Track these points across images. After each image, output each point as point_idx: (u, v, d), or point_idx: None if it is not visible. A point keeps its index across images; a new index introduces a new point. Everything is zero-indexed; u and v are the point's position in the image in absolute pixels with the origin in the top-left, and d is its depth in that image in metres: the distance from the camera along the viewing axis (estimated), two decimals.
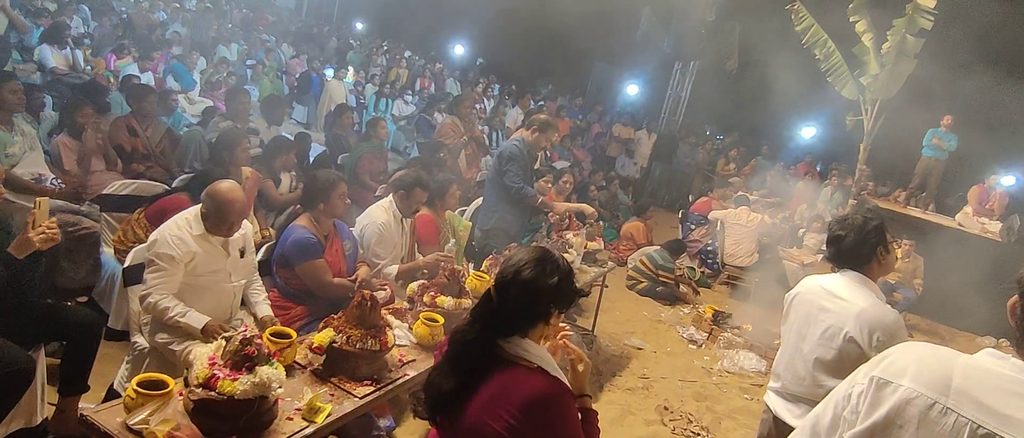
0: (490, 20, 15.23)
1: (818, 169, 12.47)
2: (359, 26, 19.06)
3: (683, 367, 5.59)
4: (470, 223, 5.03)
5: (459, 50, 18.13)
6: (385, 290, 3.66)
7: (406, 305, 3.42)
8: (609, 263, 5.51)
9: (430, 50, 17.21)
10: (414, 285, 3.46)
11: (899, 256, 7.10)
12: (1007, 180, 9.30)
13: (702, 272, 8.60)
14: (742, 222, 8.49)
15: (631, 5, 11.96)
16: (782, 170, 11.34)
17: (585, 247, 5.10)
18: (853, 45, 10.14)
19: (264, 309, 3.22)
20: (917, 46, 9.37)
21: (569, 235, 5.17)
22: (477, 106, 11.99)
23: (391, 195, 4.04)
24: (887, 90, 9.84)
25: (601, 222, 8.34)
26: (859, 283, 2.43)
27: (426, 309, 3.28)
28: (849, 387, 1.33)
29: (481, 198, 5.25)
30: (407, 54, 16.02)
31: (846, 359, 2.36)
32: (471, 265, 4.56)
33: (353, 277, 3.55)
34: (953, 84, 8.99)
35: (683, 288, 7.62)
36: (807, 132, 12.80)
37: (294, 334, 2.60)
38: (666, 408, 4.75)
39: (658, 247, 7.79)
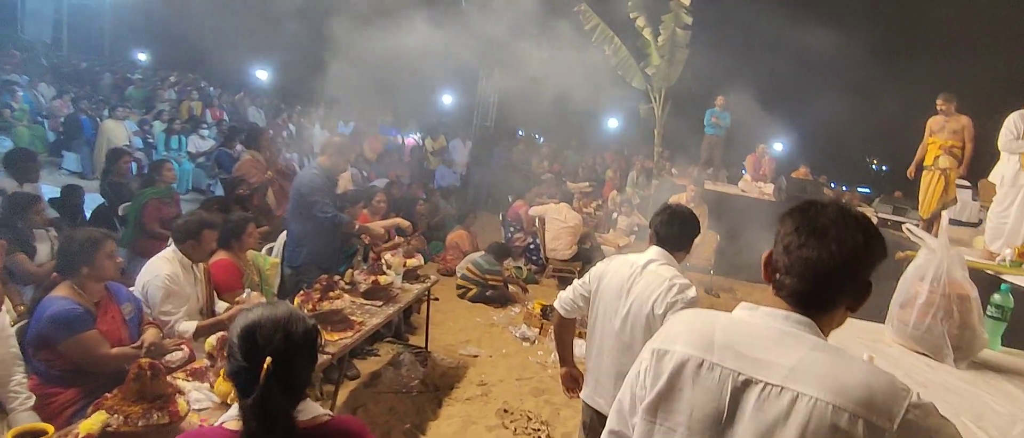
0: (291, 43, 14.49)
1: (623, 155, 13.39)
2: (141, 58, 17.28)
3: (519, 366, 5.69)
4: (277, 260, 4.70)
5: (262, 76, 17.10)
6: (182, 350, 3.29)
7: (206, 363, 3.10)
8: (432, 277, 5.45)
9: (228, 79, 16.01)
10: (213, 338, 3.14)
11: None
12: (775, 147, 10.61)
13: (529, 269, 8.85)
14: (561, 217, 8.82)
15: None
16: (591, 161, 11.96)
17: (404, 266, 5.00)
18: (637, 40, 11.10)
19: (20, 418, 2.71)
20: (686, 38, 10.44)
21: (387, 256, 5.06)
22: (284, 133, 11.38)
23: (173, 243, 3.64)
24: (669, 78, 10.97)
25: (423, 236, 8.28)
26: (666, 259, 2.66)
27: None
28: (638, 365, 1.39)
29: (286, 232, 4.93)
30: (202, 84, 14.79)
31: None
32: None
33: (137, 343, 3.14)
34: (723, 68, 10.14)
35: (512, 288, 7.77)
36: (610, 123, 13.68)
37: (51, 429, 2.21)
38: (506, 411, 4.79)
39: (483, 252, 7.88)
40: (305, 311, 3.76)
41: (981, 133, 7.25)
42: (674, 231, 2.71)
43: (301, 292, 3.95)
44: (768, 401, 1.15)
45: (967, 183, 8.23)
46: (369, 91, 13.03)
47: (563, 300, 2.88)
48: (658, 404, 1.29)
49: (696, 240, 2.82)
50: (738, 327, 1.27)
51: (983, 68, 12.05)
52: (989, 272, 4.64)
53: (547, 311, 6.85)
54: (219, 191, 8.86)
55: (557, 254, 8.77)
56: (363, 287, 4.46)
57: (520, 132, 14.34)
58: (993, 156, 6.36)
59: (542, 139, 14.47)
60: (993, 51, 12.44)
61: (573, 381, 3.10)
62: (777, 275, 1.28)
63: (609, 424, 1.49)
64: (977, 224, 8.69)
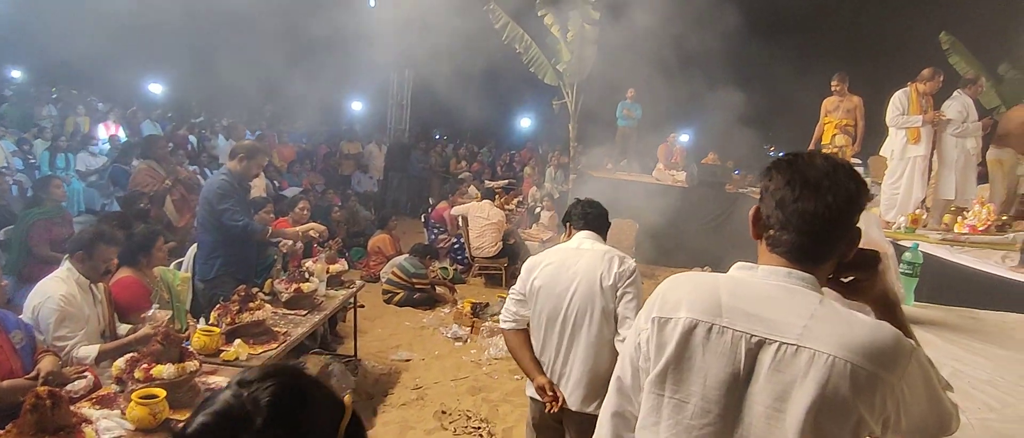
0: (191, 52, 13.69)
1: (539, 152, 13.49)
2: (15, 74, 15.81)
3: (453, 366, 5.59)
4: (188, 274, 4.39)
5: (156, 89, 16.08)
6: (85, 378, 2.99)
7: (115, 388, 2.83)
8: (358, 281, 5.26)
9: (117, 92, 14.91)
10: (120, 362, 2.87)
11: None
12: (683, 137, 11.00)
13: (455, 269, 8.77)
14: (484, 215, 8.78)
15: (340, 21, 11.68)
16: (508, 159, 12.01)
17: (328, 271, 4.80)
18: (546, 37, 11.21)
19: None
20: (594, 33, 10.62)
21: (308, 263, 4.83)
22: (186, 146, 10.75)
23: (67, 261, 3.31)
24: (579, 73, 11.12)
25: (341, 242, 8.06)
26: (597, 239, 2.84)
27: (141, 386, 2.73)
28: (636, 337, 1.34)
29: (196, 245, 4.61)
30: (89, 99, 13.69)
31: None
32: (198, 321, 3.97)
33: (32, 374, 2.82)
34: (632, 62, 10.37)
35: (440, 290, 7.67)
36: (525, 121, 13.77)
37: None
38: (444, 412, 4.68)
39: (407, 255, 7.74)
40: (223, 324, 3.53)
41: (870, 110, 7.79)
42: (597, 213, 2.89)
43: (218, 305, 3.69)
44: (785, 361, 1.13)
45: (858, 160, 8.78)
46: (275, 98, 12.55)
47: (505, 315, 2.85)
48: (666, 375, 1.24)
49: (612, 229, 3.00)
50: (743, 287, 1.24)
51: (871, 47, 13.00)
52: (888, 239, 4.97)
53: (477, 309, 6.83)
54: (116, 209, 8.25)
55: (482, 252, 8.74)
56: (285, 296, 4.24)
57: (437, 135, 14.20)
58: (882, 133, 6.86)
59: (459, 140, 14.40)
60: (881, 30, 13.46)
61: (553, 389, 2.75)
62: (772, 231, 1.24)
63: (608, 406, 1.42)
64: (871, 197, 9.40)
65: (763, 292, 1.21)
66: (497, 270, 8.70)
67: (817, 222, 1.19)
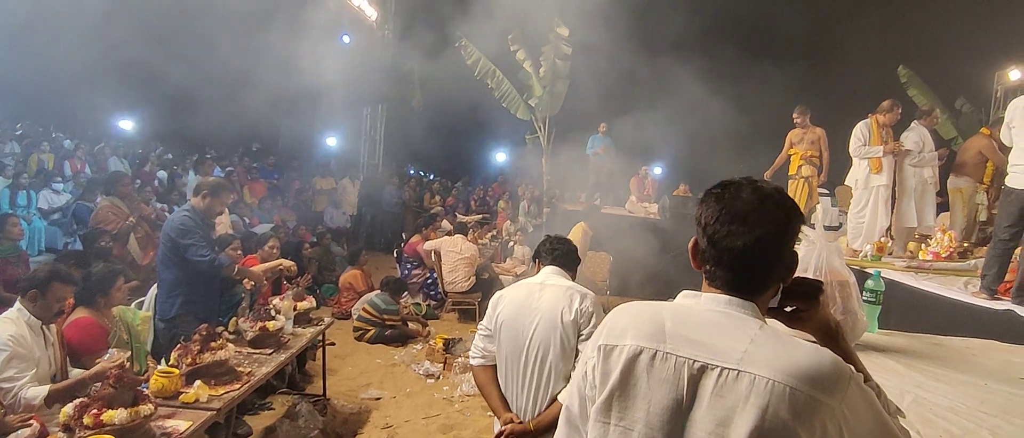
0: (159, 87, 13.54)
1: (513, 186, 13.51)
2: None
3: (425, 404, 5.48)
4: (149, 314, 4.26)
5: (126, 126, 15.87)
6: (29, 426, 2.85)
7: (62, 436, 2.71)
8: (326, 319, 5.16)
9: (86, 129, 14.69)
10: (68, 407, 2.74)
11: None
12: (656, 169, 11.09)
13: (428, 305, 8.65)
14: (457, 249, 8.70)
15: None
16: (482, 193, 12.00)
17: (295, 309, 4.71)
18: (519, 72, 11.34)
19: None
20: (566, 68, 10.79)
21: (275, 300, 4.74)
22: (153, 182, 10.57)
23: (19, 301, 3.19)
24: (552, 108, 11.25)
25: (312, 279, 7.92)
26: (562, 275, 2.84)
27: (90, 433, 2.62)
28: (583, 365, 1.33)
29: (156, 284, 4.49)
30: (54, 135, 13.47)
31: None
32: (159, 362, 3.84)
33: None
34: (603, 96, 10.51)
35: (412, 325, 7.56)
36: (499, 156, 13.81)
37: None
38: None
39: (378, 291, 7.63)
40: (184, 365, 3.42)
41: (834, 141, 7.98)
42: (565, 250, 2.90)
43: (178, 345, 3.58)
44: (726, 385, 1.13)
45: (825, 190, 8.93)
46: (245, 133, 12.44)
47: (474, 351, 2.83)
48: (611, 402, 1.23)
49: (587, 263, 3.01)
50: (686, 314, 1.24)
51: (831, 79, 13.38)
52: (855, 267, 5.04)
53: (450, 345, 6.74)
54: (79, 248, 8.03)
55: (455, 286, 8.63)
56: (250, 335, 4.13)
57: (411, 170, 14.17)
58: (846, 163, 7.01)
59: (433, 176, 14.37)
60: (840, 62, 13.88)
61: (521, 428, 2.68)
62: (708, 266, 1.25)
63: (558, 436, 1.40)
64: (838, 227, 9.49)
65: (706, 319, 1.22)
66: (470, 305, 8.62)
67: (748, 257, 1.20)
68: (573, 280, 2.86)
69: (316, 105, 11.84)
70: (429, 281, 9.14)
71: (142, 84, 13.21)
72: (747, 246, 1.19)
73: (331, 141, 13.88)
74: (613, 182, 11.16)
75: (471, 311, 8.62)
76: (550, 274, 2.81)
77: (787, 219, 1.21)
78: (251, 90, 10.10)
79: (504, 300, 2.75)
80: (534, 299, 2.68)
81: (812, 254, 2.43)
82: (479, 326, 2.83)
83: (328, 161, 13.43)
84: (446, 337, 6.84)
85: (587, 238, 8.16)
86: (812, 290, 1.29)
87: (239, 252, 5.65)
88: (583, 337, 2.58)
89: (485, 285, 8.80)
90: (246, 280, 4.89)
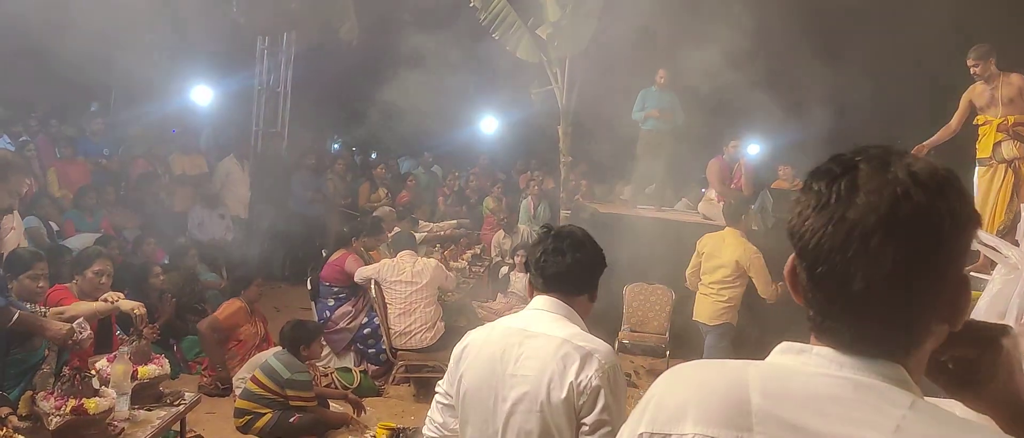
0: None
1: (509, 171, 10.55)
2: None
3: None
4: None
5: None
6: None
7: None
8: (189, 394, 3.71)
9: None
10: None
11: None
12: (751, 148, 7.71)
13: (363, 372, 6.01)
14: (404, 275, 5.80)
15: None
16: (456, 184, 8.80)
17: (134, 377, 3.36)
18: None
19: None
20: None
21: (101, 362, 3.39)
22: None
23: None
24: (576, 41, 7.70)
25: (157, 325, 5.11)
26: (557, 311, 1.89)
27: None
28: None
29: None
30: None
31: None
32: None
33: None
34: (663, 25, 7.26)
35: (337, 407, 5.32)
36: (487, 124, 10.30)
37: None
38: None
39: (277, 349, 5.26)
40: None
41: None
42: (566, 263, 1.91)
43: None
44: None
45: None
46: (53, 79, 8.13)
47: (429, 426, 2.09)
48: None
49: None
50: (786, 383, 0.85)
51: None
52: None
53: (402, 436, 4.87)
54: None
55: (410, 340, 5.84)
56: (55, 421, 2.97)
57: (337, 145, 10.55)
58: None
59: (374, 154, 10.87)
60: None
61: None
62: (811, 313, 0.86)
63: None
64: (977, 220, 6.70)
65: (814, 389, 0.83)
66: (434, 370, 5.72)
67: (871, 301, 0.78)
68: (592, 297, 1.99)
69: (179, 33, 8.17)
70: (366, 331, 6.25)
71: None
72: (870, 286, 0.77)
73: (202, 94, 9.48)
74: (677, 166, 7.80)
75: (434, 381, 4.84)
76: (541, 311, 1.91)
77: (951, 219, 0.77)
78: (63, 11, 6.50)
79: (470, 352, 1.94)
80: (513, 355, 1.84)
81: (1013, 287, 2.11)
82: (437, 388, 2.08)
83: (196, 130, 9.27)
84: (393, 426, 4.99)
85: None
86: (989, 337, 0.88)
87: (43, 281, 4.09)
88: (586, 430, 1.74)
89: (455, 336, 5.12)
90: (46, 333, 3.46)
